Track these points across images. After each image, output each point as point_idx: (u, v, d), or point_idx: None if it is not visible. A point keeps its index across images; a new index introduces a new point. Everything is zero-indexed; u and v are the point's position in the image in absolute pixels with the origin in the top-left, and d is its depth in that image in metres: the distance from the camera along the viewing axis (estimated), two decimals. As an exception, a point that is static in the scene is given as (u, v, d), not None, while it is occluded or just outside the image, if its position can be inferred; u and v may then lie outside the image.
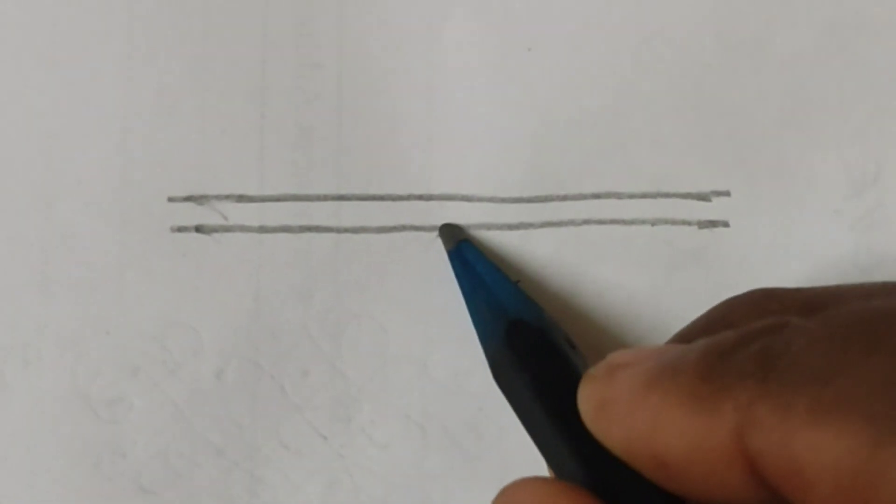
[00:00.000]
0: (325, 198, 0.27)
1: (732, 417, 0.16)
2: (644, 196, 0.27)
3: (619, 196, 0.27)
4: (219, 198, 0.27)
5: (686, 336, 0.22)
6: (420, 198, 0.27)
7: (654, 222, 0.27)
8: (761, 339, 0.17)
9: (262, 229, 0.27)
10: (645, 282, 0.27)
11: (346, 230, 0.27)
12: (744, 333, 0.18)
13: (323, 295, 0.27)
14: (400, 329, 0.27)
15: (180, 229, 0.27)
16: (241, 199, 0.27)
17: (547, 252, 0.27)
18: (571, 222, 0.27)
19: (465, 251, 0.26)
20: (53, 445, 0.26)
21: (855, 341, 0.16)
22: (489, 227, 0.27)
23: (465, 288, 0.25)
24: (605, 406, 0.19)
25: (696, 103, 0.27)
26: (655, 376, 0.18)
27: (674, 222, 0.27)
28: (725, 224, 0.26)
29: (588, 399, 0.20)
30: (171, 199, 0.27)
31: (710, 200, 0.27)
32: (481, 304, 0.24)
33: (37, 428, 0.26)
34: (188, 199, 0.27)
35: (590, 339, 0.27)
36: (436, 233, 0.27)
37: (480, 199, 0.27)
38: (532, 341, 0.23)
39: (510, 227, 0.27)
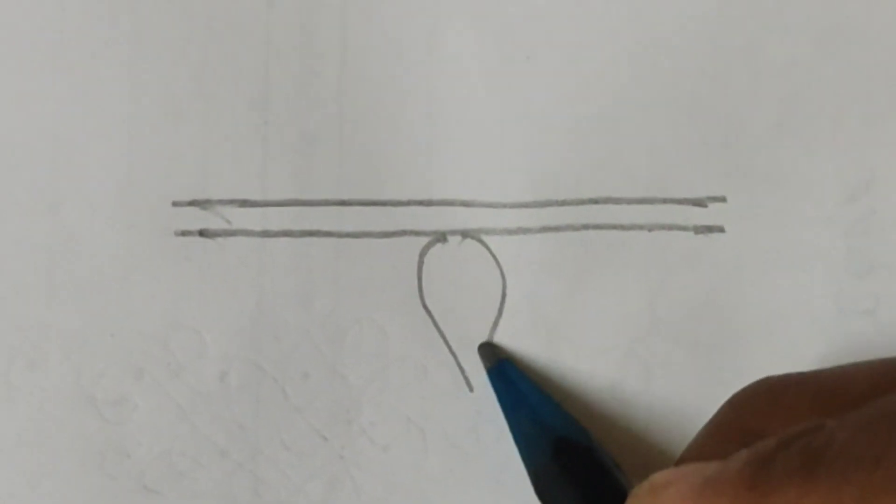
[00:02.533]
0: (327, 203, 0.27)
1: None
2: (641, 202, 0.27)
3: (616, 201, 0.27)
4: (222, 202, 0.27)
5: (701, 446, 0.22)
6: (420, 203, 0.27)
7: (650, 227, 0.27)
8: (802, 439, 0.18)
9: (265, 234, 0.27)
10: (642, 286, 0.27)
11: (347, 235, 0.27)
12: (784, 438, 0.18)
13: (324, 299, 0.27)
14: (400, 332, 0.27)
15: (184, 233, 0.27)
16: (244, 203, 0.27)
17: (545, 257, 0.27)
18: (569, 227, 0.27)
19: (506, 369, 0.26)
20: (58, 445, 0.27)
21: None
22: (488, 231, 0.27)
23: (508, 404, 0.26)
24: None
25: (693, 110, 0.27)
26: (701, 490, 0.19)
27: (670, 227, 0.27)
28: (721, 229, 0.27)
29: None
30: (175, 204, 0.27)
31: (706, 206, 0.27)
32: (525, 420, 0.25)
33: (42, 428, 0.27)
34: (192, 203, 0.27)
35: (586, 343, 0.27)
36: (435, 237, 0.27)
37: (480, 205, 0.27)
38: (579, 459, 0.24)
39: (509, 231, 0.27)
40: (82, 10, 0.27)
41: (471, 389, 0.27)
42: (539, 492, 0.24)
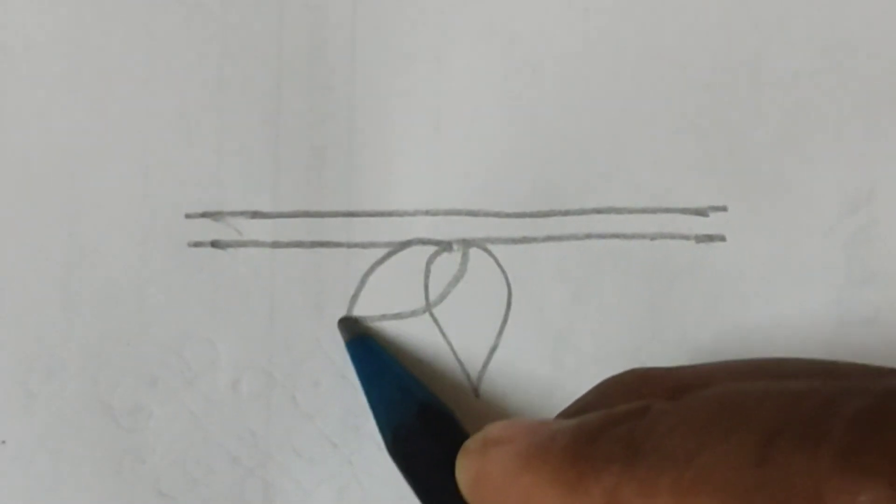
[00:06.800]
0: (336, 214, 0.28)
1: (601, 500, 0.17)
2: (644, 211, 0.27)
3: (619, 211, 0.27)
4: (234, 214, 0.28)
5: (565, 417, 0.22)
6: (427, 213, 0.28)
7: (653, 237, 0.27)
8: (626, 422, 0.18)
9: (276, 244, 0.28)
10: (644, 294, 0.27)
11: (356, 245, 0.28)
12: (609, 416, 0.19)
13: (334, 308, 0.28)
14: (408, 340, 0.27)
15: (197, 244, 0.28)
16: (255, 215, 0.28)
17: (549, 265, 0.27)
18: (573, 236, 0.27)
19: (367, 342, 0.27)
20: (76, 452, 0.27)
21: (711, 424, 0.17)
22: (494, 241, 0.28)
23: (370, 371, 0.26)
24: (480, 481, 0.20)
25: (695, 122, 0.27)
26: (527, 457, 0.19)
27: (672, 237, 0.27)
28: (722, 239, 0.27)
29: (464, 472, 0.21)
30: (188, 216, 0.28)
31: (707, 216, 0.27)
32: (389, 385, 0.26)
33: (60, 435, 0.27)
34: (204, 215, 0.28)
35: (590, 350, 0.27)
36: (442, 247, 0.28)
37: (486, 214, 0.28)
38: (443, 423, 0.24)
39: (514, 241, 0.28)
40: (98, 28, 0.28)
41: (477, 396, 0.28)
42: (396, 451, 0.24)
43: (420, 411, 0.24)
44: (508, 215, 0.28)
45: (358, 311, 0.27)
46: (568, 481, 0.18)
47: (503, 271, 0.28)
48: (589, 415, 0.19)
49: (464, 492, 0.21)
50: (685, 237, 0.27)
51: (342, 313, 0.27)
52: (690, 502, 0.16)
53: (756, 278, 0.27)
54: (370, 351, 0.27)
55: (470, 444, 0.21)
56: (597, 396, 0.22)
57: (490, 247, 0.28)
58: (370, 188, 0.28)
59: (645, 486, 0.17)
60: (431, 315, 0.28)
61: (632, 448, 0.17)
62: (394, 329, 0.27)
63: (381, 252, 0.28)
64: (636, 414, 0.18)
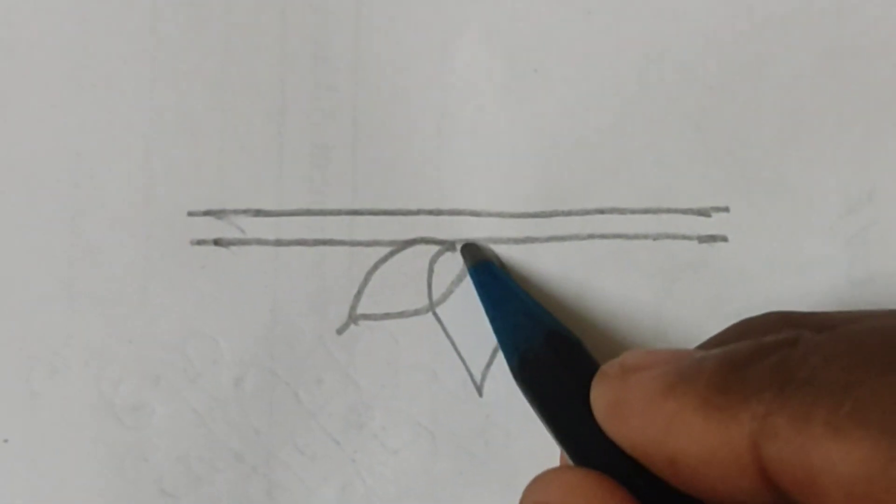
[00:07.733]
0: (339, 212, 0.28)
1: (749, 427, 0.17)
2: (646, 211, 0.27)
3: (622, 211, 0.28)
4: (237, 212, 0.28)
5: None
6: (430, 213, 0.28)
7: (655, 237, 0.27)
8: (777, 352, 0.18)
9: (279, 243, 0.28)
10: (647, 294, 0.27)
11: (359, 244, 0.28)
12: (758, 346, 0.18)
13: (336, 306, 0.28)
14: (411, 339, 0.28)
15: (200, 242, 0.28)
16: (258, 213, 0.28)
17: (552, 265, 0.28)
18: (576, 237, 0.28)
19: (491, 268, 0.26)
20: (79, 451, 0.27)
21: (871, 358, 0.17)
22: (496, 241, 0.28)
23: (496, 296, 0.26)
24: (619, 406, 0.20)
25: (698, 123, 0.27)
26: (671, 383, 0.19)
27: (675, 237, 0.27)
28: (724, 239, 0.27)
29: (602, 397, 0.20)
30: (190, 214, 0.28)
31: (709, 216, 0.27)
32: (515, 310, 0.25)
33: (63, 434, 0.27)
34: (207, 213, 0.28)
35: (593, 350, 0.27)
36: (445, 246, 0.28)
37: (489, 214, 0.28)
38: (571, 350, 0.23)
39: (516, 241, 0.28)
40: (101, 26, 0.28)
41: (480, 394, 0.28)
42: (523, 376, 0.24)
43: (548, 336, 0.24)
44: (511, 215, 0.28)
45: (361, 310, 0.28)
46: (716, 407, 0.18)
47: (506, 271, 0.28)
48: (736, 344, 0.19)
49: (598, 417, 0.20)
50: (687, 237, 0.27)
51: (345, 312, 0.28)
52: (845, 436, 0.16)
53: (758, 278, 0.27)
54: (494, 276, 0.26)
55: (607, 369, 0.21)
56: (737, 331, 0.22)
57: (493, 246, 0.28)
58: (373, 187, 0.28)
59: (798, 416, 0.17)
60: (434, 314, 0.28)
61: (784, 377, 0.17)
62: (397, 328, 0.27)
63: (385, 251, 0.28)
64: (787, 343, 0.18)
